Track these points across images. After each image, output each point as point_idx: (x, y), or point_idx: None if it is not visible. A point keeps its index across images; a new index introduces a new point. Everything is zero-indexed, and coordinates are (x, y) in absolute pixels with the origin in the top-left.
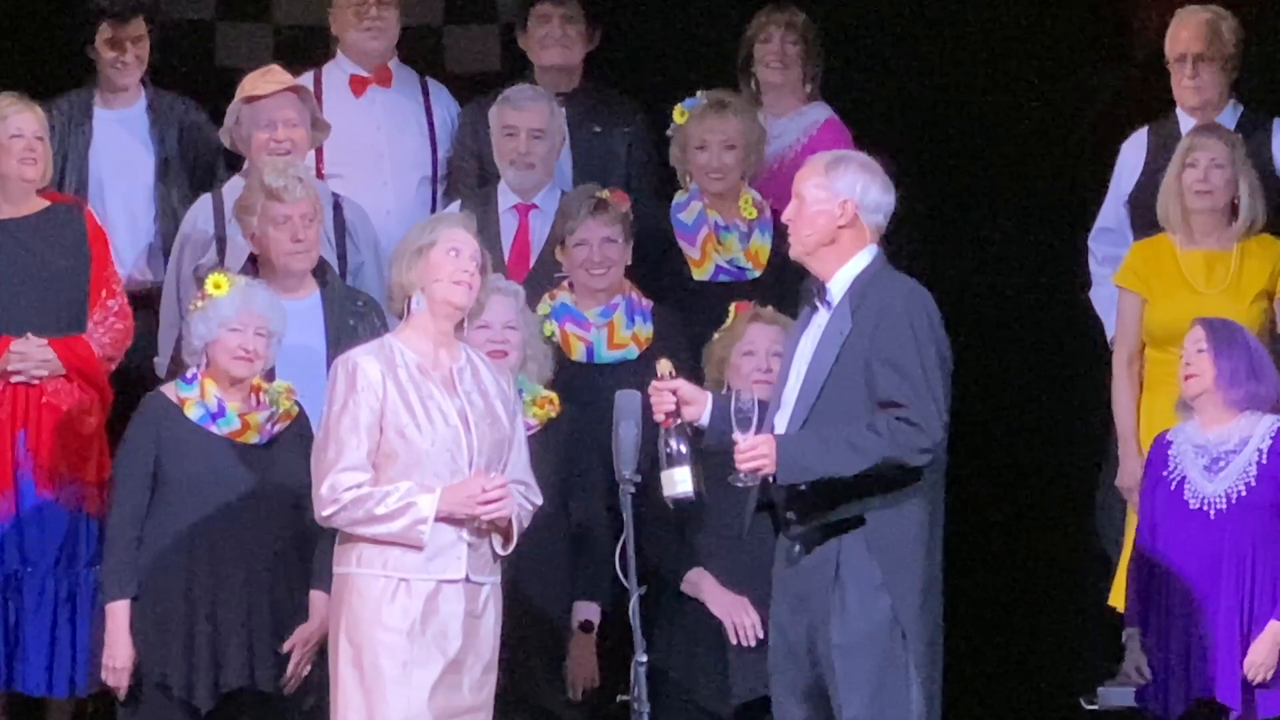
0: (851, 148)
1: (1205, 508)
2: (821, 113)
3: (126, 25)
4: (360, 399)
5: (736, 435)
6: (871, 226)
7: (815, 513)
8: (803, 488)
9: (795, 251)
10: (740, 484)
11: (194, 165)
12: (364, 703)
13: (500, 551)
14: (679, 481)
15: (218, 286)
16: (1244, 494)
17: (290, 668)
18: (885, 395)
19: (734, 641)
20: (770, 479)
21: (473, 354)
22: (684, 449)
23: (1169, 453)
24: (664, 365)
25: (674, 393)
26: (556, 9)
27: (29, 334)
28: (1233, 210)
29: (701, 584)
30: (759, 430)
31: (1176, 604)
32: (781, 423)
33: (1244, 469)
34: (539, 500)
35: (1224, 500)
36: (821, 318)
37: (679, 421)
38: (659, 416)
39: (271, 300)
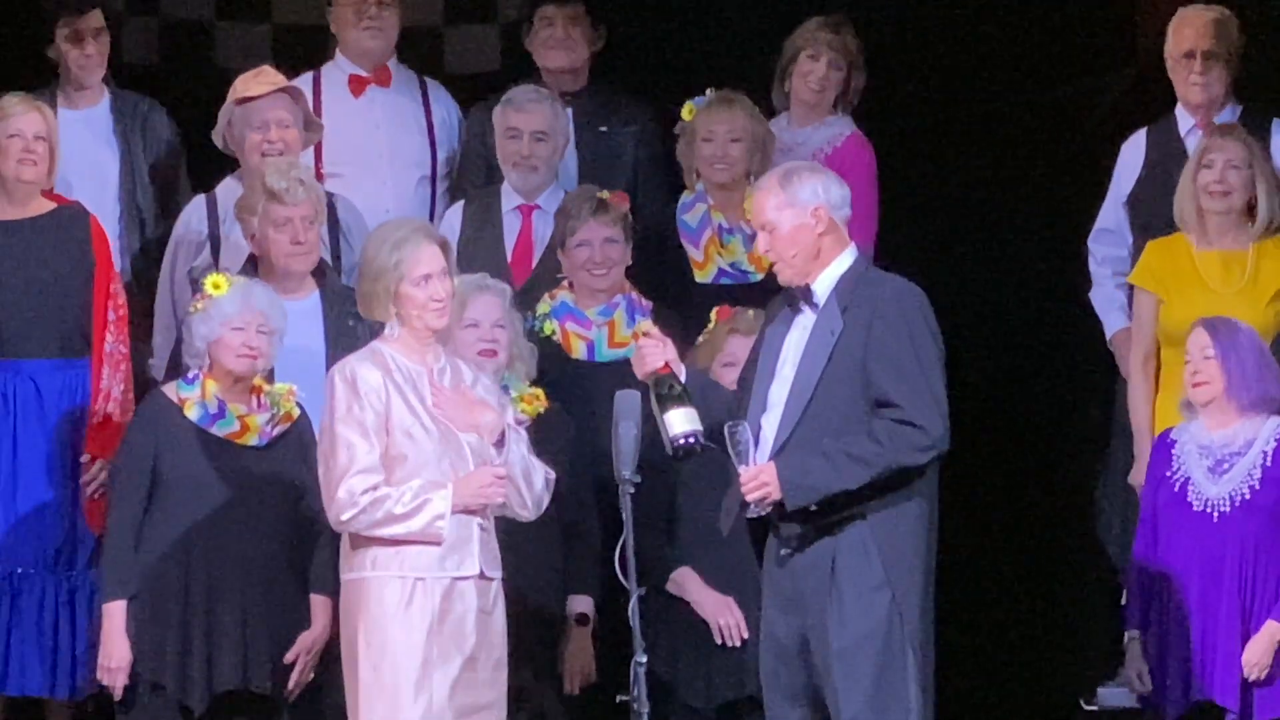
0: (874, 166)
1: (1208, 510)
2: (845, 127)
3: (84, 17)
4: (365, 404)
5: (739, 467)
6: (843, 222)
7: (811, 514)
8: (813, 508)
9: (786, 277)
10: (752, 515)
11: (157, 167)
12: (387, 704)
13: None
14: (681, 421)
15: (217, 287)
16: (1247, 497)
17: (295, 675)
18: (882, 395)
19: (719, 642)
20: (780, 504)
21: (453, 357)
22: (681, 390)
23: (1173, 452)
24: (646, 324)
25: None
26: (560, 11)
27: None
28: (1250, 211)
29: (687, 584)
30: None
31: (1177, 606)
32: (770, 423)
33: (1248, 471)
34: (553, 475)
35: (1227, 503)
36: (807, 319)
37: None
38: (656, 364)
39: (271, 298)
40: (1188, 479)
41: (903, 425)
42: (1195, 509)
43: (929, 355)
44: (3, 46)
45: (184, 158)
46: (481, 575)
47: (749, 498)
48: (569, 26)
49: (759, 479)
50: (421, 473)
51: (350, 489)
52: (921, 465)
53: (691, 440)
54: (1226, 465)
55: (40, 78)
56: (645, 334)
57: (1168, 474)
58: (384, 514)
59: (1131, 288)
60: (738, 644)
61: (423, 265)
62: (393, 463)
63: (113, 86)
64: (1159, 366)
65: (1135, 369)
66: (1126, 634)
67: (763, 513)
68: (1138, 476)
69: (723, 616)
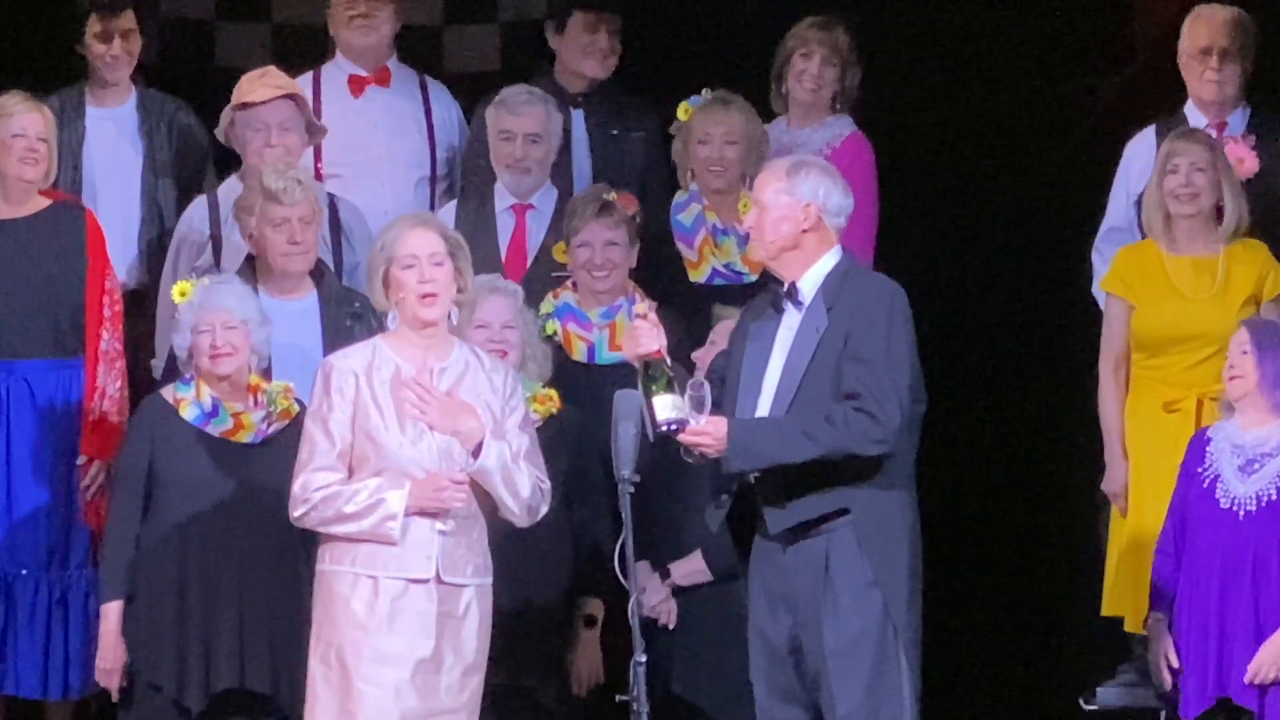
0: (874, 166)
1: (1235, 508)
2: (845, 127)
3: (116, 18)
4: (333, 401)
5: (691, 416)
6: (834, 229)
7: (799, 513)
8: (753, 476)
9: (758, 256)
10: (691, 460)
11: (181, 166)
12: (333, 700)
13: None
14: (666, 408)
15: (182, 294)
16: (1274, 498)
17: None
18: (847, 387)
19: (662, 623)
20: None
21: (470, 353)
22: (671, 378)
23: (1207, 449)
24: (643, 306)
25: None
26: (603, 20)
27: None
28: (1217, 214)
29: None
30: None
31: (1198, 601)
32: (761, 414)
33: (1277, 473)
34: (548, 485)
35: (1254, 502)
36: (793, 318)
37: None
38: (650, 347)
39: (234, 291)
40: (1218, 476)
41: (860, 414)
42: (1222, 506)
43: (898, 353)
44: (35, 43)
45: (211, 158)
46: (439, 579)
47: (688, 442)
48: (611, 38)
49: (709, 434)
50: (384, 474)
51: (305, 484)
52: (870, 457)
53: (674, 428)
54: (1257, 465)
55: (70, 75)
56: (643, 316)
57: (1199, 469)
58: (334, 512)
59: None
60: (667, 624)
61: (408, 247)
62: (359, 463)
63: (141, 86)
64: (1129, 372)
65: (1106, 374)
66: (1150, 616)
67: (701, 462)
68: (1108, 484)
69: (653, 599)
